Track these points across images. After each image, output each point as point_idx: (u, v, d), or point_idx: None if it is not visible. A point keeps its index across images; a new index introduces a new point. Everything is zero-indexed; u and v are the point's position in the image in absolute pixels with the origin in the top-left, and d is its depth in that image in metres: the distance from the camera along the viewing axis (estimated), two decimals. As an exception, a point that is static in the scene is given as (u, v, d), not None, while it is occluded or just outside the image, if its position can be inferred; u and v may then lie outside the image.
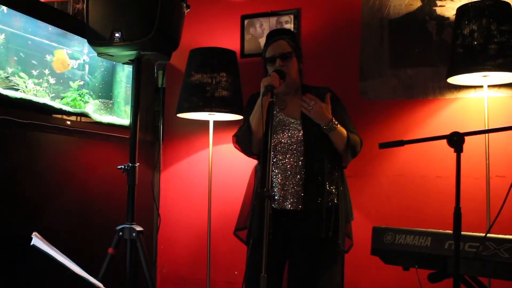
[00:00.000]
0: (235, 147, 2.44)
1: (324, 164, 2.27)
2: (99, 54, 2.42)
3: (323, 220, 2.21)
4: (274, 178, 2.30)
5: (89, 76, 3.10)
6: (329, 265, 2.25)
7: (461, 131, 1.72)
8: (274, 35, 2.41)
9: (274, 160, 2.32)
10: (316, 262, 2.23)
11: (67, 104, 2.89)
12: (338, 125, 2.23)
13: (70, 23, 2.92)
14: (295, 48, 2.37)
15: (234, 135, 2.43)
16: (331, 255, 2.26)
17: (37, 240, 1.78)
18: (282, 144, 2.31)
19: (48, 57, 2.78)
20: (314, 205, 2.23)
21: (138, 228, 2.34)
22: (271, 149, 1.90)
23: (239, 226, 2.45)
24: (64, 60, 2.90)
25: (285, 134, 2.32)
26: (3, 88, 2.46)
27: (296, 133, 2.30)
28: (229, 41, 3.51)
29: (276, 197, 2.29)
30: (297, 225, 2.26)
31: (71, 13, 3.54)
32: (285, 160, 2.30)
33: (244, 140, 2.35)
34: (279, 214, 2.27)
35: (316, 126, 2.27)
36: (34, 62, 2.63)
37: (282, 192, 2.29)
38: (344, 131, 2.26)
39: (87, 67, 3.07)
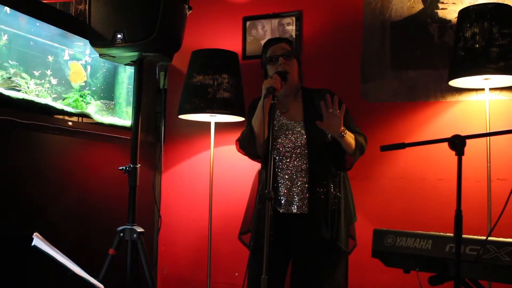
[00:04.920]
0: (239, 152, 2.43)
1: (328, 167, 2.28)
2: (101, 55, 2.43)
3: (327, 222, 2.22)
4: (280, 182, 2.30)
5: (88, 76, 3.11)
6: (333, 267, 2.26)
7: (462, 134, 1.72)
8: (274, 40, 2.45)
9: (279, 163, 2.32)
10: (319, 264, 2.23)
11: (69, 105, 2.89)
12: (347, 133, 2.22)
13: (72, 24, 2.93)
14: (295, 51, 2.40)
15: (237, 140, 2.43)
16: (334, 257, 2.27)
17: (38, 241, 1.78)
18: (285, 148, 2.31)
19: (50, 58, 2.78)
20: (319, 208, 2.23)
21: (139, 229, 2.34)
22: (272, 151, 1.91)
23: (243, 230, 2.45)
24: (80, 72, 2.95)
25: (288, 138, 2.31)
26: (5, 89, 2.47)
27: (300, 136, 2.30)
28: (231, 42, 3.51)
29: (282, 202, 2.29)
30: (302, 228, 2.26)
31: (73, 14, 3.54)
32: (289, 163, 2.30)
33: (247, 144, 2.35)
34: (286, 218, 2.28)
35: (319, 130, 2.28)
36: (16, 66, 2.62)
37: (288, 196, 2.29)
38: (351, 136, 2.25)
39: (89, 68, 3.07)
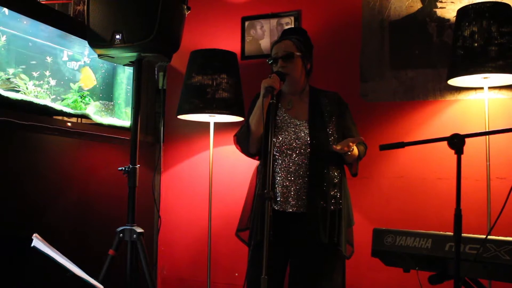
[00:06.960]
0: (236, 147, 2.44)
1: (328, 168, 2.27)
2: (100, 56, 2.42)
3: (326, 225, 2.21)
4: (277, 179, 2.30)
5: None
6: (331, 269, 2.24)
7: (462, 133, 1.72)
8: (282, 35, 2.43)
9: (278, 161, 2.31)
10: (317, 265, 2.22)
11: (68, 105, 2.89)
12: (353, 149, 2.23)
13: (71, 24, 2.93)
14: (301, 49, 2.35)
15: (235, 135, 2.44)
16: (332, 259, 2.26)
17: (37, 242, 1.78)
18: (286, 145, 2.30)
19: (48, 59, 2.78)
20: (317, 208, 2.21)
21: (139, 230, 2.34)
22: (272, 150, 1.90)
23: (241, 227, 2.44)
24: (90, 77, 2.99)
25: (290, 135, 2.31)
26: (4, 90, 2.46)
27: (302, 135, 2.29)
28: (230, 42, 3.51)
29: (278, 199, 2.29)
30: (299, 228, 2.25)
31: (72, 15, 3.54)
32: (289, 161, 2.29)
33: (243, 140, 2.36)
34: (280, 215, 2.27)
35: (322, 130, 2.28)
36: (14, 67, 2.62)
37: (284, 193, 2.28)
38: (356, 152, 2.26)
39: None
